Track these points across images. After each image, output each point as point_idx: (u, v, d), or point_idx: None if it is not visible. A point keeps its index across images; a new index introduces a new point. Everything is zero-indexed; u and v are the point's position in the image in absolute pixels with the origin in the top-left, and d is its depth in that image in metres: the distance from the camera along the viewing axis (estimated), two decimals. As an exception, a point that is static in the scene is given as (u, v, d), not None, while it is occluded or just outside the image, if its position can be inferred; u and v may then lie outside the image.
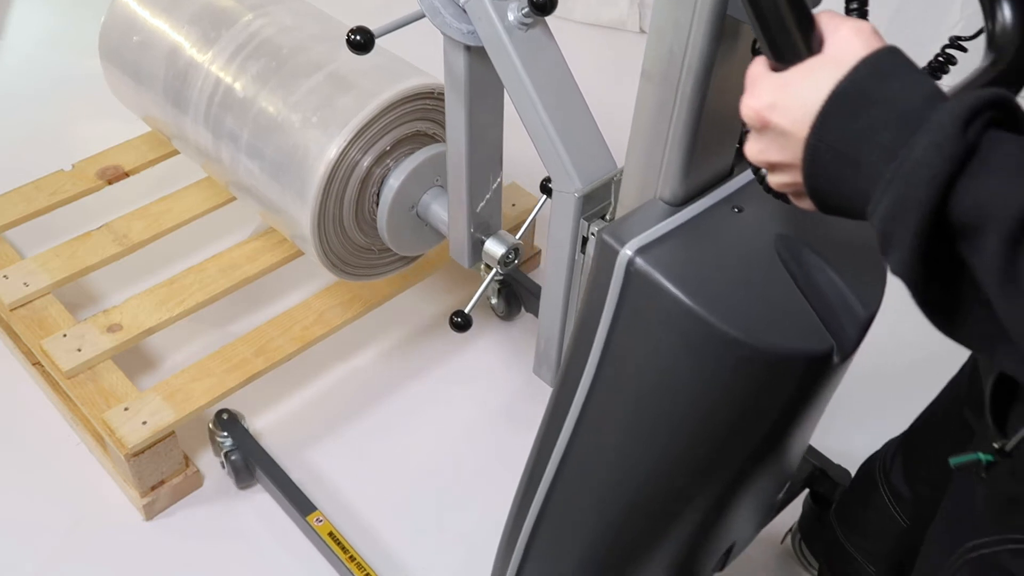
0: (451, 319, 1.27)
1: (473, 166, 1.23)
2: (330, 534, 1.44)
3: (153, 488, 1.53)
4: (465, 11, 1.07)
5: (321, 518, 1.47)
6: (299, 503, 1.49)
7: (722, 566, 1.25)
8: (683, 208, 0.88)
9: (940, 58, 0.84)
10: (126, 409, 1.47)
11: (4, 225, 1.76)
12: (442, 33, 1.11)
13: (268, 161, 1.42)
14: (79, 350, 1.54)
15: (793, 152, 0.66)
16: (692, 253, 0.85)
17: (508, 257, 1.31)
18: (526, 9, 1.02)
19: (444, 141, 1.41)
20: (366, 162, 1.37)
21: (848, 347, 0.89)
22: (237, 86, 1.45)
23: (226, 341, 1.60)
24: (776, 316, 0.84)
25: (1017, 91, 0.80)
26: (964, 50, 0.84)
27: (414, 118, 1.42)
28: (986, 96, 0.58)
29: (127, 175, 1.85)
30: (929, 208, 0.58)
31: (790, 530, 1.53)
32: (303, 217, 1.39)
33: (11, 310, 1.61)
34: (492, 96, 1.19)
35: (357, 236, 1.46)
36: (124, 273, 1.82)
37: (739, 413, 0.89)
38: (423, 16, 1.08)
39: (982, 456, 0.81)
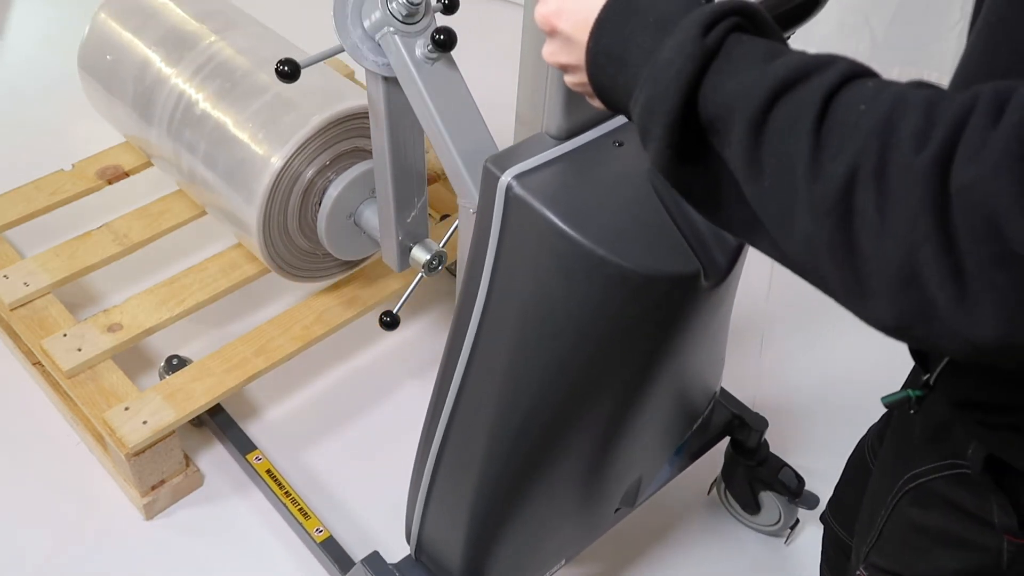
0: (380, 318, 1.37)
1: (397, 182, 1.35)
2: (268, 471, 1.53)
3: (153, 488, 1.53)
4: (380, 46, 1.19)
5: (260, 456, 1.54)
6: (239, 443, 1.56)
7: (632, 502, 1.31)
8: (566, 141, 0.94)
9: None
10: (126, 409, 1.48)
11: (4, 225, 1.76)
12: (361, 65, 1.21)
13: (221, 171, 1.56)
14: (79, 350, 1.54)
15: (578, 55, 0.73)
16: (568, 180, 0.91)
17: (432, 263, 1.41)
18: (431, 46, 1.15)
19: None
20: (308, 174, 1.51)
21: (717, 272, 0.95)
22: (196, 103, 1.60)
23: (226, 341, 1.60)
24: (644, 239, 0.90)
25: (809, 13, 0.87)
26: None
27: (352, 135, 1.54)
28: (727, 4, 0.64)
29: (127, 175, 1.85)
30: (675, 103, 0.62)
31: (715, 480, 1.60)
32: (250, 223, 1.52)
33: (11, 310, 1.61)
34: (409, 120, 1.29)
35: (301, 241, 1.59)
36: (124, 273, 1.82)
37: (613, 332, 0.95)
38: (343, 50, 1.20)
39: (911, 392, 0.86)
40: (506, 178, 0.89)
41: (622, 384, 1.02)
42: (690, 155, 0.65)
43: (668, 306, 0.95)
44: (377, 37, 1.18)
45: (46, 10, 2.64)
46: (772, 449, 1.51)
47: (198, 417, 1.62)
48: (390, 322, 1.38)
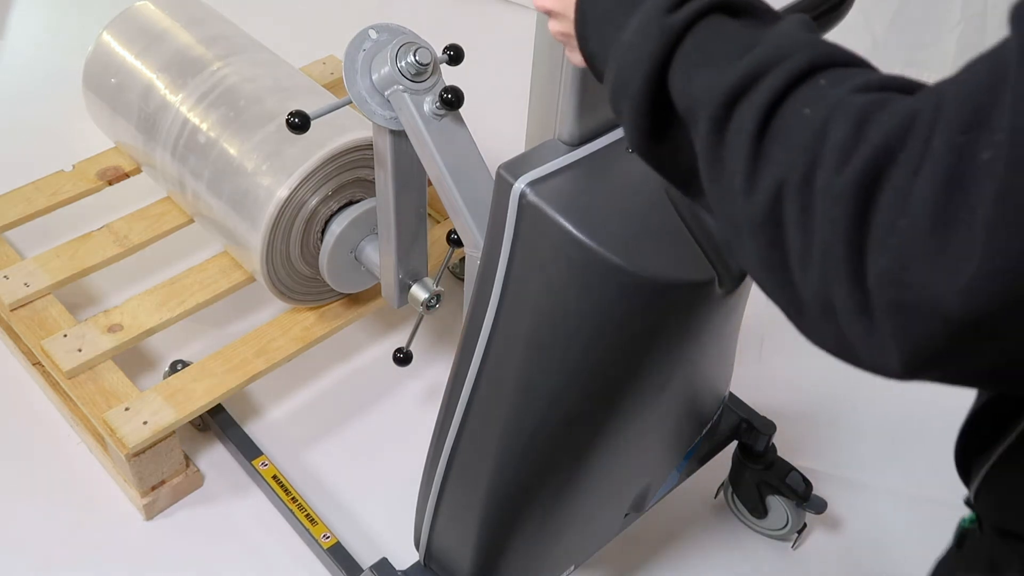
0: (394, 355, 1.47)
1: (399, 223, 1.40)
2: (274, 477, 1.52)
3: (153, 488, 1.53)
4: (389, 101, 1.23)
5: (266, 462, 1.54)
6: (245, 448, 1.56)
7: (641, 507, 1.31)
8: (579, 147, 0.93)
9: None
10: (127, 409, 1.48)
11: (4, 225, 1.76)
12: (368, 119, 1.25)
13: (225, 200, 1.58)
14: (80, 350, 1.54)
15: (564, 3, 0.69)
16: (581, 187, 0.91)
17: (430, 302, 1.47)
18: (439, 103, 1.20)
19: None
20: (311, 204, 1.53)
21: (732, 279, 0.95)
22: (200, 131, 1.61)
23: (227, 341, 1.60)
24: (659, 247, 0.90)
25: (839, 15, 0.84)
26: None
27: (355, 166, 1.55)
28: None
29: (127, 176, 1.85)
30: (639, 87, 0.59)
31: (722, 484, 1.59)
32: (254, 250, 1.54)
33: (11, 310, 1.61)
34: (414, 172, 1.35)
35: (303, 268, 1.60)
36: (124, 273, 1.82)
37: (625, 338, 0.94)
38: (351, 102, 1.23)
39: (963, 521, 0.75)
40: (520, 185, 0.88)
41: (635, 391, 1.02)
42: (663, 133, 0.61)
43: (682, 313, 0.94)
44: (386, 94, 1.23)
45: (46, 10, 2.63)
46: (780, 453, 1.50)
47: (203, 420, 1.62)
48: (403, 358, 1.45)
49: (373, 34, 1.24)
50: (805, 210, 0.48)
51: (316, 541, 1.44)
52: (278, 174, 1.51)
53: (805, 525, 1.53)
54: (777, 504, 1.52)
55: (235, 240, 1.59)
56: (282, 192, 1.49)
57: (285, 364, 1.60)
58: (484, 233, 1.09)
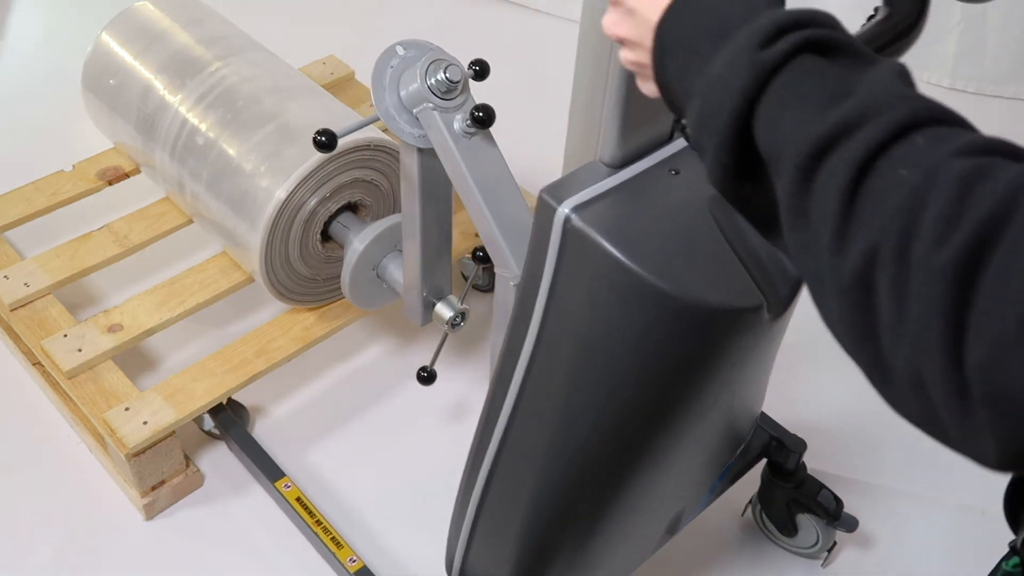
0: (418, 374, 1.45)
1: (425, 241, 1.39)
2: (298, 499, 1.50)
3: (153, 488, 1.53)
4: (418, 119, 1.21)
5: (289, 483, 1.52)
6: (267, 469, 1.54)
7: (673, 531, 1.28)
8: (621, 170, 0.91)
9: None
10: (127, 409, 1.48)
11: (4, 225, 1.76)
12: (396, 137, 1.23)
13: (224, 201, 1.58)
14: (80, 350, 1.54)
15: (640, 32, 0.65)
16: (626, 211, 0.89)
17: (455, 320, 1.47)
18: (469, 122, 1.17)
19: (382, 188, 1.62)
20: (310, 205, 1.54)
21: (779, 304, 0.93)
22: (199, 131, 1.62)
23: (227, 341, 1.60)
24: (706, 272, 0.88)
25: (909, 40, 0.82)
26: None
27: (353, 167, 1.55)
28: (794, 13, 0.55)
29: (127, 176, 1.85)
30: (725, 122, 0.56)
31: (750, 501, 1.56)
32: (253, 251, 1.54)
33: (11, 310, 1.61)
34: (441, 189, 1.34)
35: (302, 268, 1.61)
36: (124, 273, 1.82)
37: (672, 365, 0.93)
38: (379, 119, 1.22)
39: (1007, 566, 0.73)
40: (564, 210, 0.86)
41: (677, 416, 1.00)
42: (746, 171, 0.58)
43: (728, 339, 0.93)
44: (415, 111, 1.21)
45: (46, 10, 2.64)
46: (809, 471, 1.47)
47: (220, 431, 1.61)
48: (427, 377, 1.44)
49: (401, 50, 1.22)
50: (900, 281, 0.45)
51: (342, 565, 1.42)
52: (277, 175, 1.51)
53: (835, 543, 1.49)
54: (807, 522, 1.48)
55: (234, 241, 1.59)
56: (281, 193, 1.49)
57: (285, 364, 1.60)
58: (516, 253, 1.08)
